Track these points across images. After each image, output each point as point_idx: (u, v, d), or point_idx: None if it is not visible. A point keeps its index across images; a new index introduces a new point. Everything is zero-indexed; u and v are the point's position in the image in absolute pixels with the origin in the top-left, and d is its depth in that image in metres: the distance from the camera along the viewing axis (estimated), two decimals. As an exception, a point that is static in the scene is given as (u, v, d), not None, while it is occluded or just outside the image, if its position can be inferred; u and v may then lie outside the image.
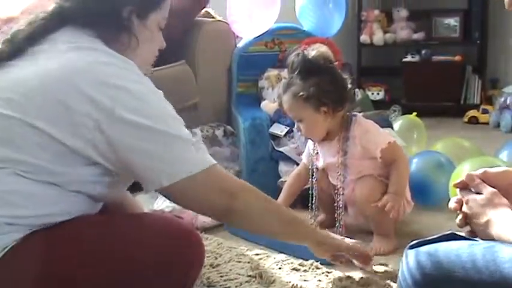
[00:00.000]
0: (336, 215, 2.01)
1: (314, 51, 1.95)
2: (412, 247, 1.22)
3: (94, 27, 1.36)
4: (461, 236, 1.19)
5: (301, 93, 1.92)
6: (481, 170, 1.26)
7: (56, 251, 1.27)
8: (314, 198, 2.10)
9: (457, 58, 4.55)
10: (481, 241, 1.14)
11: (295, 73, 1.95)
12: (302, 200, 2.20)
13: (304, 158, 2.17)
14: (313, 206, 2.11)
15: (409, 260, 1.18)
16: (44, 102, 1.25)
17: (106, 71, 1.28)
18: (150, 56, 1.49)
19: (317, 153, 2.08)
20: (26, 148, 1.24)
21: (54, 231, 1.29)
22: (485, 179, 1.24)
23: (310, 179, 2.10)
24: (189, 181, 1.30)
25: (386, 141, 1.95)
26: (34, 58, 1.32)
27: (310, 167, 2.10)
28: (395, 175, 1.94)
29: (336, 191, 2.01)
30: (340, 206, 2.00)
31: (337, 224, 1.99)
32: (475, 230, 1.22)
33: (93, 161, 1.29)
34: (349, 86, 1.97)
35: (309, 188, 2.11)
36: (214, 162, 1.35)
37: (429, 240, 1.23)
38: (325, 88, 1.91)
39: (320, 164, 2.08)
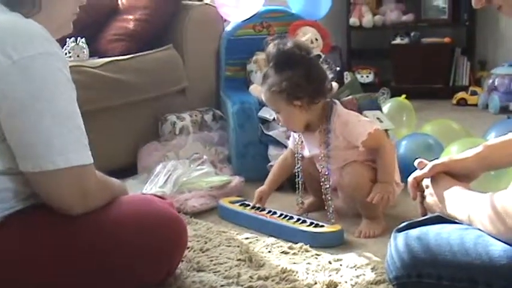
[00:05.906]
0: (324, 201, 2.01)
1: (291, 42, 1.93)
2: (399, 230, 1.24)
3: None
4: (447, 219, 1.20)
5: (274, 88, 1.90)
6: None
7: (36, 234, 1.28)
8: (300, 185, 2.10)
9: (446, 40, 4.55)
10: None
11: (270, 65, 1.93)
12: (291, 184, 2.20)
13: (290, 144, 2.16)
14: (299, 192, 2.10)
15: (398, 243, 1.20)
16: None
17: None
18: (68, 14, 1.44)
19: (302, 142, 2.07)
20: None
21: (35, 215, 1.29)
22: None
23: (296, 167, 2.09)
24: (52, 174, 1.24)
25: (366, 132, 1.92)
26: None
27: (295, 154, 2.09)
28: (381, 163, 1.93)
29: (323, 180, 2.00)
30: (328, 195, 1.99)
31: (328, 214, 1.99)
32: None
33: None
34: (328, 77, 1.94)
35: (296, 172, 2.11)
36: (81, 163, 1.26)
37: (416, 222, 1.24)
38: (298, 82, 1.88)
39: (306, 153, 2.07)
